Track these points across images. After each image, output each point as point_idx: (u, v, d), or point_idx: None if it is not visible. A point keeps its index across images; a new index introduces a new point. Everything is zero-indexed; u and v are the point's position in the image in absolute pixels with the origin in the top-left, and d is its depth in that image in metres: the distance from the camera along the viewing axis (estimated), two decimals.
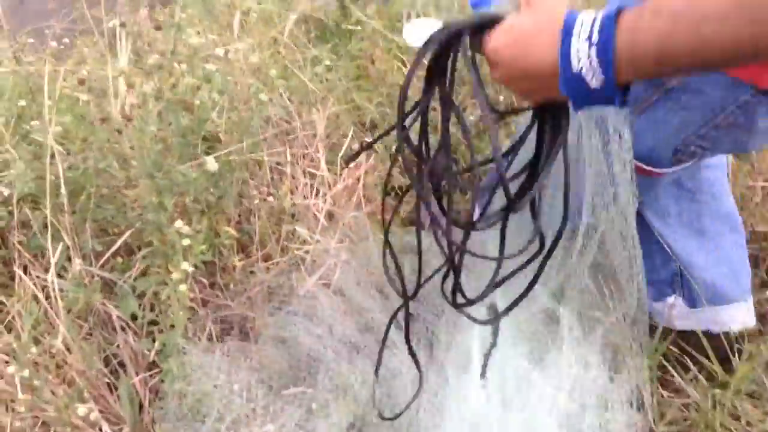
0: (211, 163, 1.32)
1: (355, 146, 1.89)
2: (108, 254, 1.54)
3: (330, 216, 1.75)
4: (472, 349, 1.29)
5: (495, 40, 0.86)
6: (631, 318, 1.31)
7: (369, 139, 1.96)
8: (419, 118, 1.00)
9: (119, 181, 1.42)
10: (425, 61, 0.93)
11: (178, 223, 1.29)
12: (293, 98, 2.09)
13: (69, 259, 1.49)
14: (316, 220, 1.70)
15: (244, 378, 1.39)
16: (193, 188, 1.32)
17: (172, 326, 1.36)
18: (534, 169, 0.96)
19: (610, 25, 0.74)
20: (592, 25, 0.76)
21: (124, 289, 1.51)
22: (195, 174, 1.32)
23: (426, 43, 0.90)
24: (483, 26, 0.88)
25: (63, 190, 1.47)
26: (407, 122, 0.99)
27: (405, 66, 2.55)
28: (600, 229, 1.27)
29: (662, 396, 1.42)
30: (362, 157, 1.90)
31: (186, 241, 1.30)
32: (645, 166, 1.25)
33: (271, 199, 1.66)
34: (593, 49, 0.75)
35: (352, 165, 1.84)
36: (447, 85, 0.94)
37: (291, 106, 1.97)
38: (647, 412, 1.38)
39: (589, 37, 0.76)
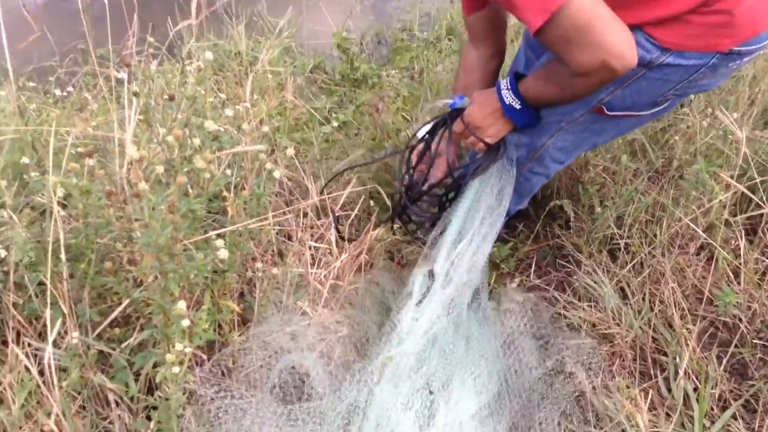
0: (222, 252, 1.29)
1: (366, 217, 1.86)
2: (105, 324, 1.49)
3: (333, 288, 1.72)
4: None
5: (468, 112, 1.69)
6: None
7: (379, 211, 1.95)
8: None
9: (122, 254, 1.38)
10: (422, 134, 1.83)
11: (181, 304, 1.25)
12: (302, 160, 2.07)
13: (64, 323, 1.44)
14: (319, 293, 1.67)
15: None
16: (200, 275, 1.28)
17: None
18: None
19: (513, 80, 1.61)
20: (507, 84, 1.61)
21: (120, 362, 1.46)
22: (203, 260, 1.28)
23: (433, 124, 1.81)
24: (458, 112, 1.73)
25: (63, 256, 1.43)
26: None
27: (407, 118, 2.59)
28: None
29: None
30: (369, 227, 1.90)
31: (186, 322, 1.26)
32: (624, 113, 1.65)
33: (275, 270, 1.62)
34: (510, 92, 1.60)
35: (360, 237, 1.83)
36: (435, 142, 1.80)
37: (301, 172, 1.95)
38: None
39: (507, 89, 1.61)
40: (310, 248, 1.72)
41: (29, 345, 1.45)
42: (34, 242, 1.46)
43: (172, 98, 1.48)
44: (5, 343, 1.47)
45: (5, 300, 1.52)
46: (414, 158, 1.87)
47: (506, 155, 1.72)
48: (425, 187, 1.83)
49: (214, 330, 1.52)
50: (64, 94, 2.27)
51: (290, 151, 1.55)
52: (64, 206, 1.51)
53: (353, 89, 2.92)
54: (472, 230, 1.70)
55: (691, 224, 1.83)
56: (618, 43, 1.34)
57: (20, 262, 1.41)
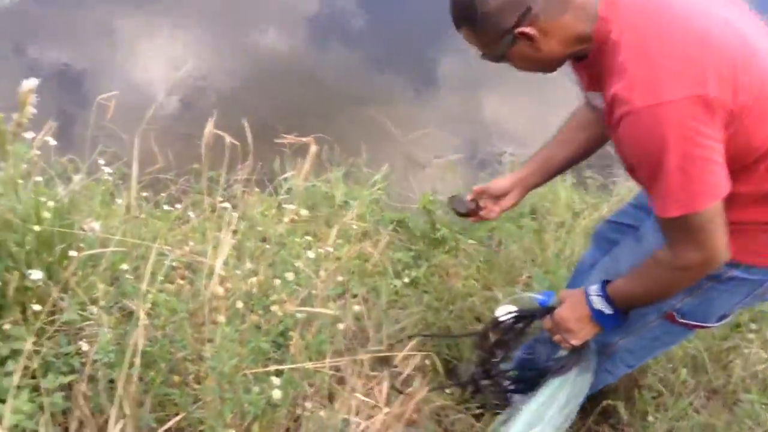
0: (276, 392, 1.39)
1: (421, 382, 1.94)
2: (159, 431, 1.59)
3: None
4: None
5: (559, 314, 1.70)
6: None
7: (432, 373, 2.03)
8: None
9: (189, 371, 1.50)
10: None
11: None
12: (370, 306, 2.19)
13: (123, 423, 1.55)
14: None
15: None
16: (254, 407, 1.38)
17: None
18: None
19: (603, 286, 1.63)
20: (596, 290, 1.63)
21: None
22: (258, 395, 1.39)
23: (517, 315, 1.84)
24: (548, 310, 1.75)
25: (138, 361, 1.56)
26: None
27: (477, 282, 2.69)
28: None
29: None
30: (419, 384, 1.96)
31: None
32: (694, 323, 1.69)
33: (322, 413, 1.69)
34: (601, 298, 1.62)
35: (407, 391, 1.90)
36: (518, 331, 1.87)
37: (365, 320, 2.06)
38: None
39: (597, 295, 1.63)
40: (358, 398, 1.79)
41: None
42: (116, 343, 1.61)
43: (264, 240, 1.65)
44: (67, 430, 1.59)
45: (76, 389, 1.65)
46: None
47: (589, 358, 1.76)
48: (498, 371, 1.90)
49: None
50: (172, 208, 2.50)
51: (357, 308, 1.67)
52: (148, 314, 1.67)
53: (431, 248, 3.06)
54: (539, 427, 1.73)
55: None
56: (722, 248, 1.41)
57: (100, 360, 1.55)
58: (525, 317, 1.86)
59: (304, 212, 1.72)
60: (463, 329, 2.38)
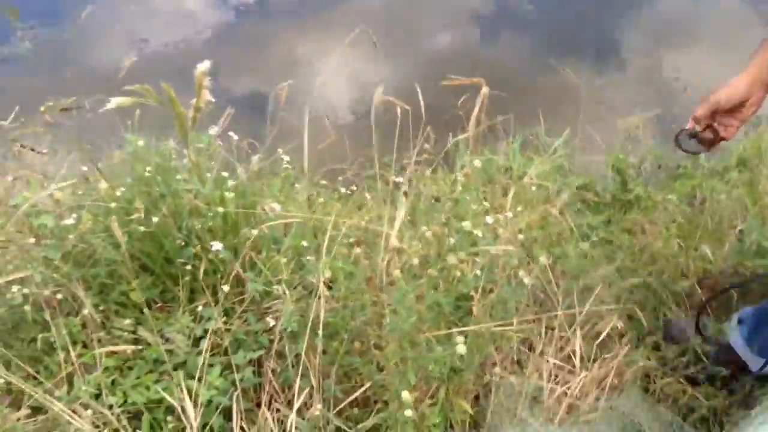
0: (461, 347, 1.31)
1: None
2: (346, 402, 1.58)
3: (571, 408, 1.62)
4: None
5: None
6: None
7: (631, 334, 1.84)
8: None
9: (371, 337, 1.47)
10: None
11: (405, 395, 1.28)
12: (557, 275, 2.04)
13: (310, 395, 1.55)
14: (554, 412, 1.59)
15: None
16: (438, 366, 1.31)
17: None
18: None
19: None
20: None
21: None
22: (442, 353, 1.31)
23: None
24: None
25: (320, 332, 1.55)
26: None
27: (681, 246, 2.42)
28: None
29: None
30: (619, 345, 1.79)
31: (409, 413, 1.29)
32: None
33: (512, 379, 1.59)
34: None
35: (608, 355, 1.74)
36: None
37: (552, 281, 1.92)
38: None
39: None
40: (549, 362, 1.66)
41: (278, 411, 1.58)
42: (299, 316, 1.62)
43: (437, 199, 1.58)
44: (259, 405, 1.62)
45: (266, 365, 1.69)
46: None
47: None
48: None
49: (446, 428, 1.52)
50: (348, 192, 2.54)
51: (543, 259, 1.54)
52: (329, 288, 1.66)
53: (623, 210, 2.83)
54: None
55: None
56: None
57: (285, 330, 1.56)
58: None
59: (477, 163, 1.62)
60: (666, 288, 2.15)
